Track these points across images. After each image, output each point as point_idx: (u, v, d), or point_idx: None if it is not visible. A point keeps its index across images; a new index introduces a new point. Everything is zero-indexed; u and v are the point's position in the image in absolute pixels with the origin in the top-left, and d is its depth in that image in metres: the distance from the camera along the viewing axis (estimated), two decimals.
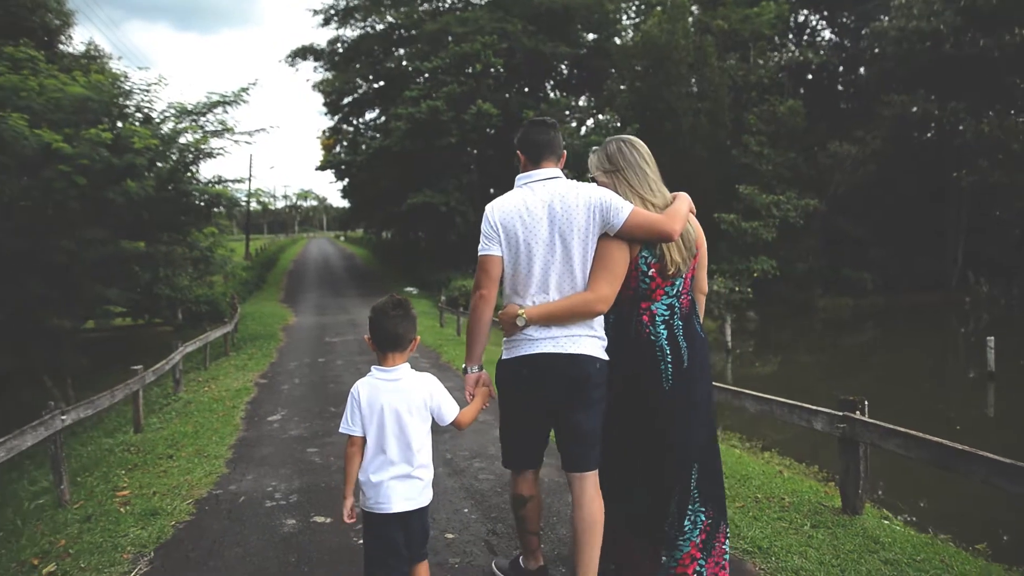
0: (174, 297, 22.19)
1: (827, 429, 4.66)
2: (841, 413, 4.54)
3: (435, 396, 3.00)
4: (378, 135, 36.97)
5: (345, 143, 41.34)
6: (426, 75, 32.96)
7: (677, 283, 3.22)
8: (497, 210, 3.24)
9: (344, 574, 3.87)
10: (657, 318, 3.18)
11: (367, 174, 36.42)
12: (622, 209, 3.07)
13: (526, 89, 35.87)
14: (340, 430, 2.95)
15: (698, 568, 3.16)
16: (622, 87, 35.22)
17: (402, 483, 2.88)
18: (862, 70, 37.11)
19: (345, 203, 52.37)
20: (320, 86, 39.22)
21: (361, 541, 3.35)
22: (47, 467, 6.20)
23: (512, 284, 3.24)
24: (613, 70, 36.70)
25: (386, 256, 48.25)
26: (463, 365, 3.44)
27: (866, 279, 33.07)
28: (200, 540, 4.43)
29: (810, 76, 37.23)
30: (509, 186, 3.40)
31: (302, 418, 7.78)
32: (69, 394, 14.45)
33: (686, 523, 3.15)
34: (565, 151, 3.37)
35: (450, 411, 3.02)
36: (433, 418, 2.99)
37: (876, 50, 34.17)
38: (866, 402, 4.52)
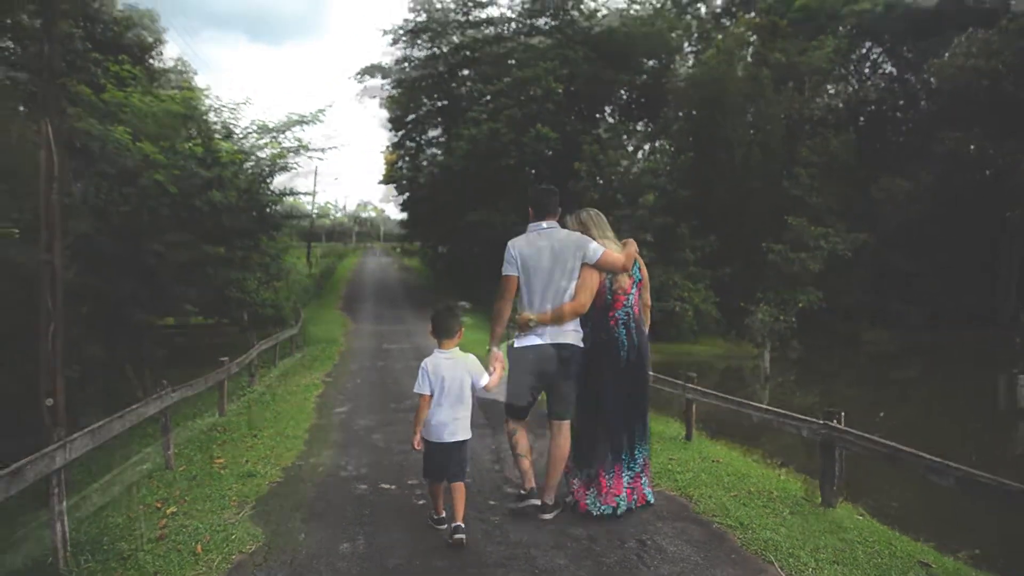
0: (243, 299, 23.67)
1: (812, 437, 5.53)
2: (821, 422, 5.41)
3: (472, 368, 4.69)
4: (439, 152, 38.35)
5: (407, 158, 42.86)
6: (488, 97, 34.21)
7: (630, 298, 5.05)
8: (515, 246, 5.00)
9: (406, 525, 4.86)
10: (619, 321, 4.98)
11: (427, 189, 37.79)
12: (597, 251, 4.85)
13: (584, 113, 36.86)
14: (414, 391, 4.61)
15: (642, 484, 5.08)
16: (679, 113, 35.95)
17: (451, 424, 4.59)
18: (921, 104, 37.22)
19: (403, 215, 53.97)
20: (386, 102, 40.87)
21: (421, 502, 5.32)
22: (145, 444, 7.36)
23: (525, 297, 4.90)
24: (670, 98, 37.46)
25: (440, 270, 49.59)
26: (488, 346, 4.99)
27: (914, 314, 33.13)
28: (292, 495, 5.49)
29: (870, 108, 37.45)
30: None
31: (367, 411, 8.85)
32: (147, 383, 15.86)
33: (637, 455, 5.05)
34: (560, 208, 5.17)
35: (482, 378, 4.68)
36: (472, 382, 4.65)
37: (933, 86, 34.33)
38: (843, 413, 5.38)
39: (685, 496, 5.49)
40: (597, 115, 38.12)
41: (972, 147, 31.05)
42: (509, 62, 33.87)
